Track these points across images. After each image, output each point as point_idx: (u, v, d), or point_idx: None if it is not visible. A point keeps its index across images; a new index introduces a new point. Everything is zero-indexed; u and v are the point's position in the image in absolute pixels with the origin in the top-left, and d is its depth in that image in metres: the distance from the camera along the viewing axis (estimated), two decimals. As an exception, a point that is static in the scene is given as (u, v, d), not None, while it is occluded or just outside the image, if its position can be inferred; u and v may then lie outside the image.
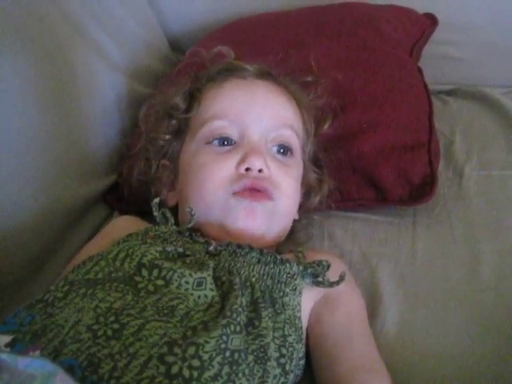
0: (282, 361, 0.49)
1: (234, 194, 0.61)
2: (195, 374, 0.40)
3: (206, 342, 0.42)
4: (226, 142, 0.64)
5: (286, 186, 0.65)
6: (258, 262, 0.56)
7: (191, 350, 0.41)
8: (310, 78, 0.76)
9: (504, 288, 0.63)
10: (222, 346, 0.43)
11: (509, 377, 0.55)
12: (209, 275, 0.51)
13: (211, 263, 0.53)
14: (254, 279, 0.54)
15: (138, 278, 0.50)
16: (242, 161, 0.62)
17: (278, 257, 0.57)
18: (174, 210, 0.69)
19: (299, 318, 0.54)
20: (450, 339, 0.59)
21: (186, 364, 0.40)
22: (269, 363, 0.47)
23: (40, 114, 0.68)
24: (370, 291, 0.66)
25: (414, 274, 0.67)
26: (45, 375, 0.32)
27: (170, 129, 0.71)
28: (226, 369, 0.42)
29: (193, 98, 0.71)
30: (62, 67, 0.73)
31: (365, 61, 0.85)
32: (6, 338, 0.43)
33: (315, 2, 1.01)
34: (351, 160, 0.77)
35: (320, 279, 0.56)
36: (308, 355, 0.55)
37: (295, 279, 0.56)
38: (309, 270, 0.57)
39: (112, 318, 0.44)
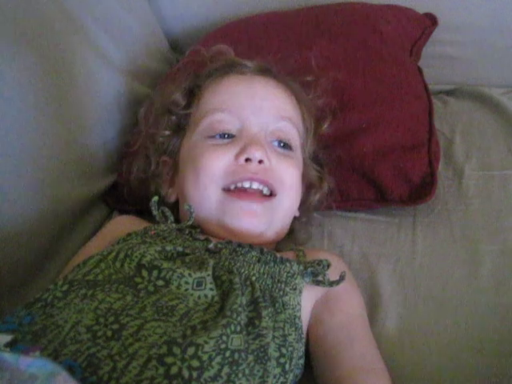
0: (282, 360, 0.49)
1: (227, 191, 0.61)
2: (195, 374, 0.40)
3: (206, 342, 0.42)
4: (226, 136, 0.64)
5: (288, 179, 0.65)
6: (258, 260, 0.56)
7: (190, 351, 0.41)
8: (309, 78, 0.77)
9: (504, 288, 0.64)
10: (222, 346, 0.43)
11: (508, 376, 0.55)
12: (208, 275, 0.51)
13: (211, 262, 0.53)
14: (254, 278, 0.54)
15: (137, 279, 0.50)
16: (242, 151, 0.62)
17: (278, 256, 0.57)
18: (175, 205, 0.69)
19: (299, 318, 0.54)
20: (449, 339, 0.59)
21: (186, 364, 0.40)
22: (269, 363, 0.47)
23: (39, 114, 0.68)
24: (370, 291, 0.66)
25: (413, 273, 0.67)
26: (46, 375, 0.32)
27: (169, 125, 0.71)
28: (226, 369, 0.42)
29: (192, 94, 0.71)
30: (62, 67, 0.73)
31: (364, 61, 0.85)
32: (6, 338, 0.43)
33: (315, 1, 1.01)
34: (351, 160, 0.77)
35: (320, 278, 0.57)
36: (308, 355, 0.55)
37: (295, 278, 0.56)
38: (309, 270, 0.57)
39: (112, 319, 0.44)
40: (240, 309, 0.47)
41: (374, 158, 0.76)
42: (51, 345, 0.42)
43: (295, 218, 0.71)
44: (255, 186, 0.62)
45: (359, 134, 0.77)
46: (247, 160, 0.61)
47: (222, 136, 0.64)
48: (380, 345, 0.56)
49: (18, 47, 0.66)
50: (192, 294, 0.49)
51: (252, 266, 0.55)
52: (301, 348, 0.53)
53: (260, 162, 0.62)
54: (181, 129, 0.71)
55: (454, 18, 1.02)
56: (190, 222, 0.61)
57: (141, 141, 0.75)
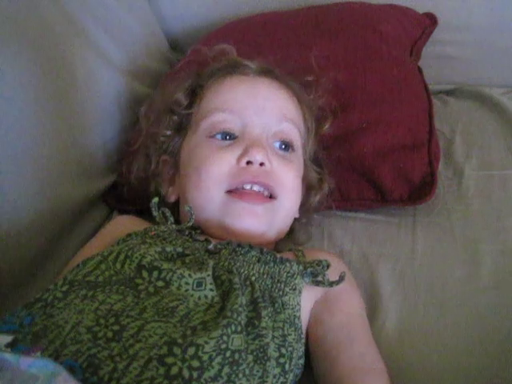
0: (282, 360, 0.49)
1: (229, 192, 0.61)
2: (195, 374, 0.40)
3: (206, 342, 0.42)
4: (228, 137, 0.64)
5: (289, 181, 0.65)
6: (258, 261, 0.56)
7: (191, 351, 0.41)
8: (309, 78, 0.76)
9: (504, 288, 0.64)
10: (223, 346, 0.43)
11: (508, 376, 0.55)
12: (208, 275, 0.50)
13: (211, 262, 0.53)
14: (253, 278, 0.54)
15: (138, 280, 0.50)
16: (244, 154, 0.62)
17: (278, 256, 0.57)
18: (175, 205, 0.69)
19: (299, 318, 0.54)
20: (449, 339, 0.59)
21: (186, 365, 0.40)
22: (268, 363, 0.47)
23: (39, 113, 0.68)
24: (370, 291, 0.66)
25: (413, 273, 0.67)
26: (47, 375, 0.32)
27: (171, 124, 0.71)
28: (226, 369, 0.42)
29: (195, 94, 0.71)
30: (62, 67, 0.73)
31: (364, 60, 0.85)
32: (7, 339, 0.43)
33: (315, 1, 1.01)
34: (351, 160, 0.77)
35: (320, 279, 0.57)
36: (308, 355, 0.55)
37: (295, 278, 0.56)
38: (308, 270, 0.57)
39: (112, 320, 0.44)
40: (240, 309, 0.47)
41: (374, 157, 0.76)
42: (52, 345, 0.42)
43: (295, 219, 0.71)
44: (256, 188, 0.62)
45: (359, 134, 0.77)
46: (248, 163, 0.61)
47: (224, 137, 0.64)
48: (380, 345, 0.56)
49: (18, 47, 0.66)
50: (192, 295, 0.49)
51: (252, 265, 0.55)
52: (300, 348, 0.53)
53: (261, 164, 0.62)
54: (182, 128, 0.70)
55: (454, 18, 1.02)
56: (190, 224, 0.61)
57: (141, 140, 0.75)
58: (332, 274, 0.57)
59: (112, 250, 0.54)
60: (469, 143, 0.86)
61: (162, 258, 0.53)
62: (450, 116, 0.94)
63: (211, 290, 0.50)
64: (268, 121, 0.65)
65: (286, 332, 0.51)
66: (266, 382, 0.46)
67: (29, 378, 0.32)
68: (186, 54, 0.97)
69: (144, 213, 0.71)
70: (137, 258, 0.52)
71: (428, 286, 0.66)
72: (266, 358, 0.47)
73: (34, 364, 0.33)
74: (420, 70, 0.91)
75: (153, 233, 0.60)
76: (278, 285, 0.55)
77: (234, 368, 0.43)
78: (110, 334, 0.43)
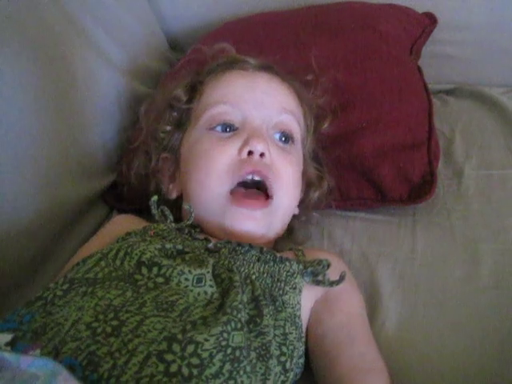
0: (283, 359, 0.49)
1: (231, 194, 0.61)
2: (195, 371, 0.40)
3: (206, 339, 0.42)
4: (228, 129, 0.64)
5: (288, 175, 0.65)
6: (258, 260, 0.56)
7: (190, 348, 0.41)
8: (309, 78, 0.77)
9: (504, 288, 0.63)
10: (223, 343, 0.43)
11: (508, 376, 0.55)
12: (208, 272, 0.51)
13: (211, 260, 0.53)
14: (253, 277, 0.54)
15: (137, 276, 0.50)
16: (245, 144, 0.62)
17: (278, 255, 0.57)
18: (175, 203, 0.69)
19: (299, 317, 0.55)
20: (449, 339, 0.59)
21: (185, 362, 0.40)
22: (271, 361, 0.47)
23: (39, 113, 0.68)
24: (370, 291, 0.66)
25: (413, 273, 0.67)
26: (47, 374, 0.32)
27: (171, 120, 0.71)
28: (228, 366, 0.42)
29: (194, 89, 0.71)
30: (62, 67, 0.73)
31: (364, 60, 0.85)
32: (7, 337, 0.43)
33: (315, 1, 1.01)
34: (351, 159, 0.77)
35: (320, 278, 0.57)
36: (308, 354, 0.55)
37: (295, 277, 0.56)
38: (309, 269, 0.57)
39: (111, 315, 0.44)
40: (240, 306, 0.47)
41: (374, 157, 0.76)
42: (51, 342, 0.42)
43: (294, 216, 0.71)
44: (256, 178, 0.62)
45: (359, 134, 0.77)
46: (249, 153, 0.61)
47: (224, 128, 0.64)
48: (380, 345, 0.56)
49: (18, 47, 0.66)
50: (192, 291, 0.49)
51: (252, 265, 0.55)
52: (301, 347, 0.53)
53: (261, 155, 0.62)
54: (182, 124, 0.70)
55: (454, 18, 1.02)
56: (189, 222, 0.61)
57: (141, 137, 0.75)
58: (332, 274, 0.57)
59: (112, 248, 0.54)
60: (468, 143, 0.86)
61: (161, 255, 0.53)
62: (449, 115, 0.93)
63: (211, 286, 0.50)
64: (268, 112, 0.65)
65: (287, 330, 0.51)
66: (268, 379, 0.46)
67: (29, 378, 0.32)
68: (186, 53, 0.97)
69: (143, 212, 0.71)
70: (136, 254, 0.52)
71: (428, 285, 0.66)
72: (268, 355, 0.47)
73: (34, 363, 0.33)
74: (420, 70, 0.91)
75: (152, 232, 0.60)
76: (278, 284, 0.55)
77: (236, 365, 0.43)
78: (108, 330, 0.43)
